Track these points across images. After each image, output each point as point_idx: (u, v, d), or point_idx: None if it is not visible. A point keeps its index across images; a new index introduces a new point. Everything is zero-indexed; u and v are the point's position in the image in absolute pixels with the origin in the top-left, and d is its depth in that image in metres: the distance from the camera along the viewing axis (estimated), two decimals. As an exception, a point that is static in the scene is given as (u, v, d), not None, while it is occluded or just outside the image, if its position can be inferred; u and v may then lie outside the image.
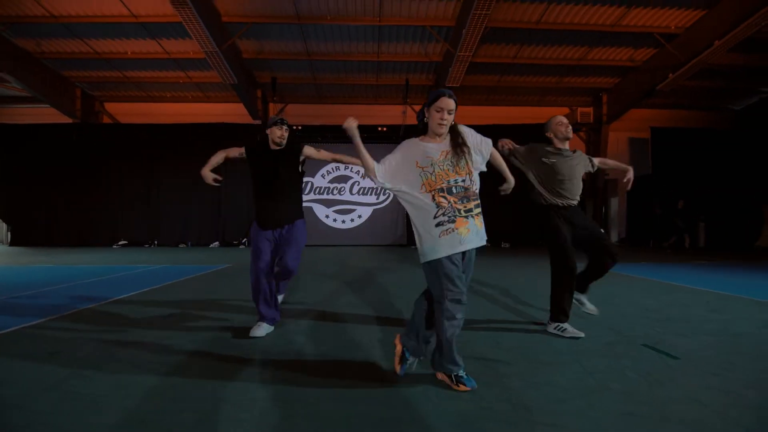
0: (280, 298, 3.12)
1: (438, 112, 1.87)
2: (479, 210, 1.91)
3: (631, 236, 13.79)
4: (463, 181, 1.87)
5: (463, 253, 1.86)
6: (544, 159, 2.81)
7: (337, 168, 12.56)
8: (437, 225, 1.81)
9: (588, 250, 2.81)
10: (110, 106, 13.76)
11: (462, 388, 1.77)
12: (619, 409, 1.60)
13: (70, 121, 12.77)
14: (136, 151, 12.14)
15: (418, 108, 9.79)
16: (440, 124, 1.88)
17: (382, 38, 10.61)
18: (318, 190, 12.49)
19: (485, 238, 1.93)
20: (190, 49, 10.68)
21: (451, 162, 1.87)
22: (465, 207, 1.84)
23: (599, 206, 14.09)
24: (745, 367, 2.07)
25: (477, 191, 1.92)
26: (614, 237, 14.62)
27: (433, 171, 1.85)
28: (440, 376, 1.89)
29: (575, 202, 2.86)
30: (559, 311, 2.70)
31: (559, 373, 1.98)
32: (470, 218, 1.85)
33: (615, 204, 14.65)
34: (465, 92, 13.06)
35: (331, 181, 12.52)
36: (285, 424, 1.48)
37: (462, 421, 1.52)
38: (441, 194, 1.83)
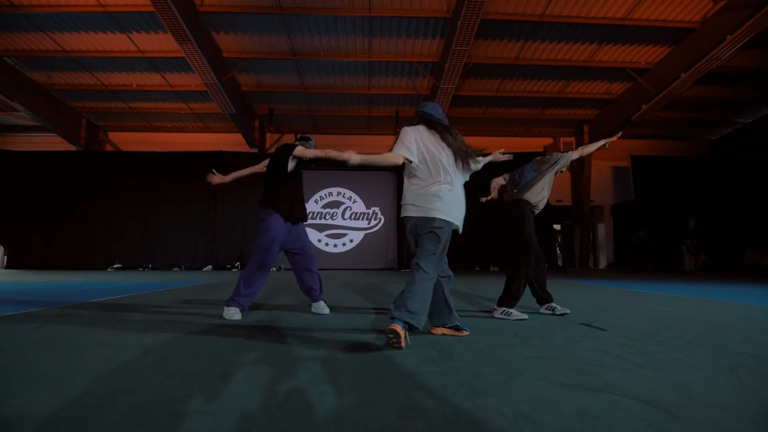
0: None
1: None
2: None
3: (619, 260, 14.00)
4: None
5: None
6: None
7: (330, 194, 12.96)
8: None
9: None
10: (114, 136, 14.37)
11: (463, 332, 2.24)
12: (530, 354, 1.82)
13: (73, 149, 13.32)
14: (133, 176, 12.56)
15: None
16: None
17: (372, 73, 11.34)
18: (311, 215, 12.81)
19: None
20: (192, 82, 11.37)
21: None
22: None
23: (586, 232, 14.39)
24: (664, 334, 2.29)
25: None
26: (603, 262, 14.82)
27: None
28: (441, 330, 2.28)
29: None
30: (511, 296, 2.95)
31: (489, 338, 2.21)
32: None
33: (602, 230, 14.97)
34: (452, 123, 13.47)
35: (324, 207, 12.88)
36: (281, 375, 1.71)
37: (400, 365, 1.74)
38: None
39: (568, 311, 3.05)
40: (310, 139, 3.24)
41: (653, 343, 2.07)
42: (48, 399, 1.26)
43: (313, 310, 3.21)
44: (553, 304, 3.10)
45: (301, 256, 3.18)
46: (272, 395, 1.31)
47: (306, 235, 3.31)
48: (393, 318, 1.94)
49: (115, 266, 12.00)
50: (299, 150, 3.09)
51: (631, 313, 3.18)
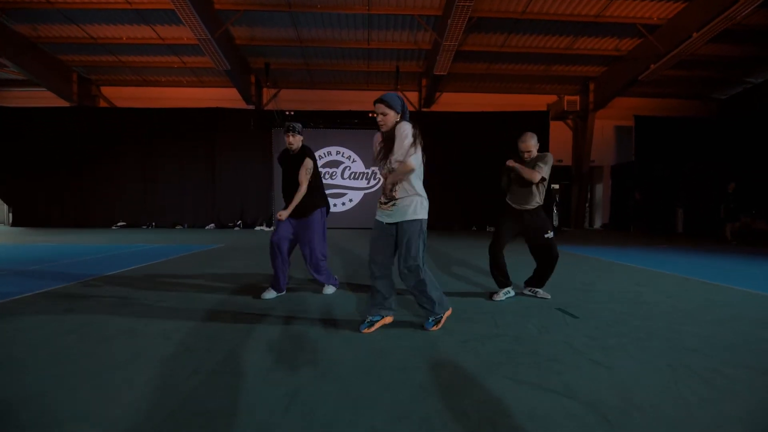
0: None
1: (375, 114, 2.32)
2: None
3: (614, 221, 14.29)
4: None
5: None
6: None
7: (329, 153, 12.94)
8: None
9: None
10: (106, 90, 14.02)
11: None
12: (504, 348, 2.09)
13: (67, 104, 13.07)
14: (132, 134, 12.48)
15: (409, 94, 10.46)
16: (379, 124, 2.32)
17: (371, 26, 10.84)
18: (310, 174, 12.87)
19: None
20: (183, 35, 10.91)
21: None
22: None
23: (584, 192, 14.54)
24: (629, 324, 2.55)
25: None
26: (598, 223, 15.13)
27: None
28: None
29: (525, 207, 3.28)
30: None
31: (472, 326, 2.48)
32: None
33: (600, 190, 15.11)
34: (455, 80, 13.35)
35: (323, 166, 12.90)
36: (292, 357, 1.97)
37: (380, 349, 2.00)
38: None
39: (549, 297, 3.29)
40: (297, 128, 3.27)
41: (615, 335, 2.33)
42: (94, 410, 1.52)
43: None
44: (537, 289, 3.34)
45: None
46: (277, 395, 1.57)
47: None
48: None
49: (119, 224, 12.30)
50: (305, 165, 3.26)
51: (607, 293, 3.45)
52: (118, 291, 3.33)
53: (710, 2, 9.07)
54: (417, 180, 2.31)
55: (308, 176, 3.22)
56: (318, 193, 3.34)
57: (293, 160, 3.28)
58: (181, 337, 2.21)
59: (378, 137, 2.38)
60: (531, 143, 3.19)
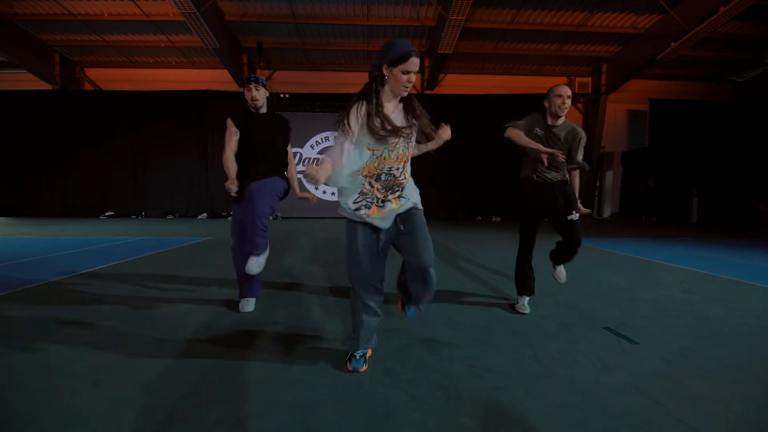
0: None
1: (405, 74, 1.62)
2: (399, 193, 1.77)
3: (624, 211, 13.71)
4: (397, 169, 1.73)
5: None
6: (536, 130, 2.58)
7: (327, 138, 12.27)
8: (354, 203, 1.73)
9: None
10: (91, 72, 13.24)
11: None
12: (557, 401, 1.53)
13: (49, 87, 12.33)
14: (120, 119, 11.81)
15: None
16: (406, 88, 1.65)
17: (371, 1, 10.06)
18: (307, 161, 12.25)
19: (408, 206, 1.79)
20: (169, 10, 10.11)
21: (404, 146, 1.72)
22: (384, 196, 1.73)
23: (593, 180, 13.91)
24: (703, 354, 2.00)
25: (407, 177, 1.79)
26: (607, 212, 14.55)
27: (381, 155, 1.68)
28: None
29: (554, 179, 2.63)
30: (517, 284, 2.76)
31: (505, 358, 1.91)
32: (387, 203, 1.74)
33: (609, 178, 14.48)
34: (459, 59, 12.58)
35: (320, 152, 12.25)
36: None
37: (387, 410, 1.45)
38: (370, 180, 1.71)
39: (562, 281, 2.87)
40: (261, 80, 2.64)
41: (696, 371, 1.77)
42: None
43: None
44: (555, 265, 2.88)
45: None
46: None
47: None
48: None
49: (107, 214, 11.71)
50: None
51: (654, 304, 2.89)
52: (58, 307, 2.77)
53: (741, -28, 8.30)
54: None
55: None
56: None
57: (264, 122, 2.63)
58: (113, 381, 1.65)
59: (393, 105, 1.71)
60: (568, 95, 2.52)
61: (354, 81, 12.96)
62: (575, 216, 2.58)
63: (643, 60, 11.45)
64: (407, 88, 1.65)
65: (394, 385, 1.64)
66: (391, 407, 1.46)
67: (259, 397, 1.52)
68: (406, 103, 1.75)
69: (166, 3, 9.66)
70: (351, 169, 1.64)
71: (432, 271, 1.71)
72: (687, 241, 6.87)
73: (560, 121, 2.59)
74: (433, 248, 1.72)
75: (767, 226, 10.66)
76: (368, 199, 1.71)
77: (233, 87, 12.48)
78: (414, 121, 1.74)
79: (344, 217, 1.80)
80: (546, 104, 2.59)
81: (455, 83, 13.25)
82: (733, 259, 4.97)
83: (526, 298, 2.74)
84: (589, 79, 12.85)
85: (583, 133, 2.61)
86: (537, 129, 2.57)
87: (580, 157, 2.62)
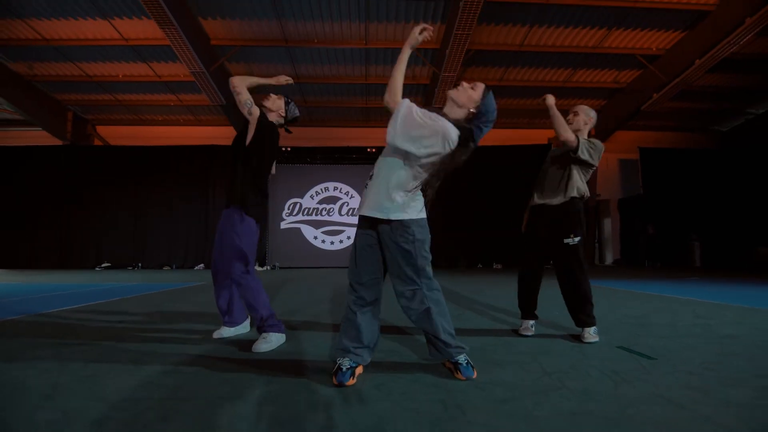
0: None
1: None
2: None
3: (626, 257, 13.53)
4: None
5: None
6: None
7: (326, 189, 12.46)
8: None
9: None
10: (102, 129, 13.83)
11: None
12: (572, 408, 1.34)
13: (60, 143, 12.79)
14: (122, 172, 12.07)
15: None
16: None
17: (369, 61, 10.78)
18: (306, 211, 12.33)
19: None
20: (180, 72, 10.81)
21: None
22: None
23: (592, 227, 13.90)
24: (730, 365, 1.81)
25: None
26: (609, 259, 14.36)
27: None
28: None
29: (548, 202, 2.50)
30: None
31: (511, 373, 1.73)
32: None
33: (608, 225, 14.49)
34: (454, 114, 13.19)
35: (319, 202, 12.37)
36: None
37: (378, 421, 1.26)
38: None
39: (596, 339, 2.32)
40: (290, 102, 2.63)
41: (722, 381, 1.59)
42: None
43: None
44: (582, 329, 2.40)
45: None
46: None
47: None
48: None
49: (103, 265, 11.53)
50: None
51: (669, 328, 2.70)
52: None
53: (710, 29, 8.99)
54: None
55: None
56: None
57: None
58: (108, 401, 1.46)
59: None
60: (582, 115, 2.47)
61: (353, 135, 13.53)
62: (574, 240, 2.37)
63: (628, 112, 12.02)
64: None
65: (384, 398, 1.45)
66: (381, 419, 1.28)
67: (234, 412, 1.33)
68: None
69: (178, 65, 10.36)
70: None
71: None
72: (693, 280, 6.66)
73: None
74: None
75: (765, 268, 10.44)
76: None
77: (237, 141, 12.94)
78: None
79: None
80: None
81: (450, 136, 13.77)
82: (744, 292, 4.77)
83: (530, 322, 2.57)
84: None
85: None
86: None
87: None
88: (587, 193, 2.47)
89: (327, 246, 12.22)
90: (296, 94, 12.30)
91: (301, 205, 12.34)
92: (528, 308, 2.58)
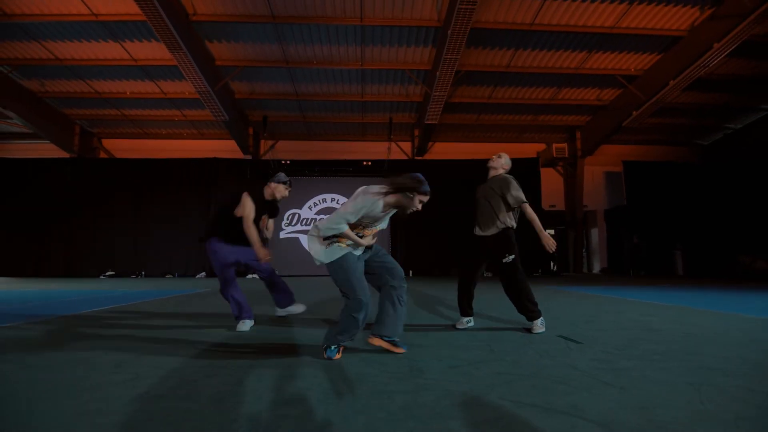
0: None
1: (421, 203, 2.25)
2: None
3: (612, 265, 14.05)
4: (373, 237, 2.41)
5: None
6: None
7: (324, 200, 12.96)
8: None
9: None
10: (108, 143, 14.35)
11: (399, 350, 2.21)
12: (500, 371, 1.83)
13: (67, 155, 13.29)
14: (127, 184, 12.53)
15: (402, 144, 10.57)
16: (414, 209, 2.25)
17: (365, 81, 11.40)
18: (305, 221, 12.82)
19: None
20: (185, 89, 11.40)
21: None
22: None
23: (580, 237, 14.44)
24: (640, 347, 2.30)
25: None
26: (596, 267, 14.86)
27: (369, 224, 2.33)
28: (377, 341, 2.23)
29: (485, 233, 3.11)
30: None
31: (466, 352, 2.22)
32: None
33: (595, 234, 15.02)
34: (446, 130, 13.81)
35: (317, 213, 12.87)
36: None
37: (359, 377, 1.74)
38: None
39: (543, 329, 2.88)
40: (280, 176, 3.36)
41: (625, 357, 2.08)
42: None
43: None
44: (529, 322, 2.96)
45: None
46: (235, 424, 1.31)
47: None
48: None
49: (107, 274, 11.94)
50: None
51: (612, 323, 3.20)
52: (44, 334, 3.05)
53: (683, 53, 9.65)
54: None
55: None
56: None
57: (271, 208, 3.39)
58: (133, 368, 1.94)
59: (380, 203, 2.24)
60: (498, 162, 3.15)
61: (350, 149, 14.12)
62: (509, 258, 2.97)
63: (611, 128, 12.65)
64: (415, 211, 2.27)
65: (373, 363, 1.94)
66: (365, 376, 1.76)
67: (262, 373, 1.82)
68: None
69: (183, 83, 10.96)
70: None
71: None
72: (665, 287, 7.17)
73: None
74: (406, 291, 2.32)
75: (748, 277, 10.96)
76: None
77: (239, 155, 13.49)
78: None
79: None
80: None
81: (443, 150, 14.38)
82: (702, 297, 5.27)
83: (465, 318, 3.09)
84: (565, 145, 14.00)
85: (508, 177, 3.16)
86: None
87: (514, 198, 3.06)
88: (514, 224, 3.10)
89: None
90: (296, 110, 12.91)
91: (299, 216, 12.82)
92: (465, 308, 3.09)
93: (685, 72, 9.71)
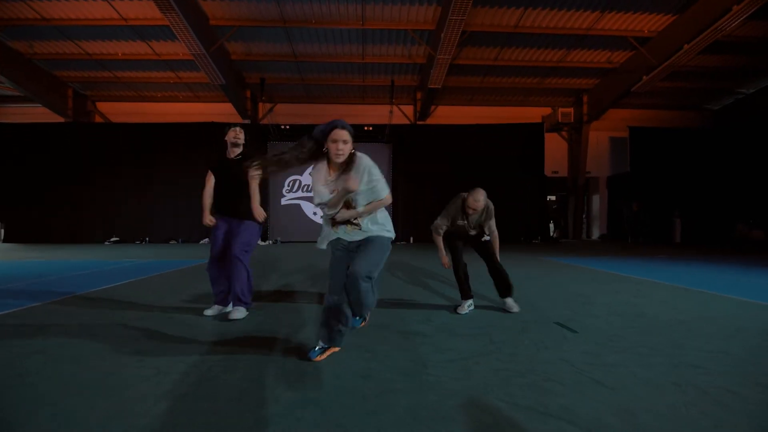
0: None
1: (333, 143, 2.02)
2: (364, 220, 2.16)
3: (612, 232, 14.22)
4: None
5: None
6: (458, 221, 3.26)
7: (325, 167, 12.88)
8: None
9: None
10: (102, 106, 14.03)
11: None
12: (499, 367, 1.96)
13: (62, 120, 13.05)
14: (127, 149, 12.41)
15: (404, 108, 10.44)
16: (337, 155, 2.03)
17: (366, 41, 10.94)
18: (306, 187, 12.82)
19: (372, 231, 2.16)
20: (179, 50, 10.97)
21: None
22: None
23: (581, 204, 14.51)
24: (626, 338, 2.43)
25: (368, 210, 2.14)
26: (595, 234, 15.05)
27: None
28: None
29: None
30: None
31: (465, 342, 2.34)
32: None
33: (596, 201, 15.07)
34: (449, 93, 13.43)
35: (318, 180, 12.82)
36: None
37: (366, 373, 1.87)
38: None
39: (516, 310, 3.14)
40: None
41: (615, 350, 2.21)
42: None
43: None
44: (504, 299, 3.24)
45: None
46: (250, 423, 1.43)
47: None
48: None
49: (111, 240, 12.13)
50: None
51: (606, 306, 3.33)
52: (89, 319, 3.19)
53: (700, 15, 9.20)
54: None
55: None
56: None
57: (236, 166, 3.16)
58: (152, 361, 2.07)
59: (324, 168, 2.11)
60: (481, 202, 3.11)
61: (350, 113, 13.79)
62: (487, 237, 3.27)
63: (619, 91, 12.30)
64: (338, 155, 2.03)
65: (371, 359, 2.06)
66: (369, 371, 1.89)
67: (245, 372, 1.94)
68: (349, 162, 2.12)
69: (177, 44, 10.52)
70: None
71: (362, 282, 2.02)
72: (662, 259, 7.33)
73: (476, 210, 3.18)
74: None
75: (744, 245, 11.14)
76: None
77: (236, 119, 13.22)
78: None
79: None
80: (463, 199, 3.21)
81: (446, 114, 14.06)
82: (696, 273, 5.42)
83: (465, 302, 3.21)
84: (571, 109, 13.67)
85: (490, 206, 3.22)
86: (459, 220, 3.24)
87: (489, 227, 3.28)
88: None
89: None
90: (294, 72, 12.49)
91: (300, 182, 12.81)
92: (464, 290, 3.24)
93: (700, 35, 9.31)
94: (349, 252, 2.17)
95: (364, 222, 2.14)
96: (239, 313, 2.95)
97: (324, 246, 2.22)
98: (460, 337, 2.47)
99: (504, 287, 3.20)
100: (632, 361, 2.04)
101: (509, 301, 3.19)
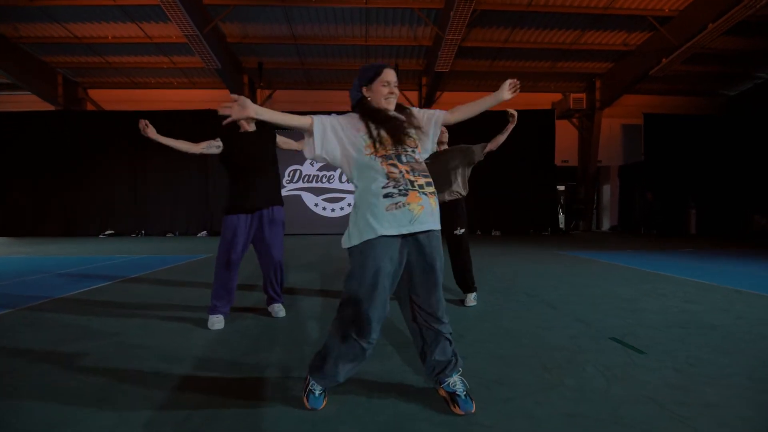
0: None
1: (385, 86, 1.59)
2: (432, 189, 1.57)
3: (623, 224, 13.77)
4: (413, 151, 1.57)
5: (416, 239, 1.53)
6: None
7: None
8: (385, 196, 1.47)
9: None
10: (94, 93, 13.46)
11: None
12: (568, 410, 1.51)
13: (52, 108, 12.50)
14: (121, 139, 11.89)
15: (408, 93, 9.79)
16: (388, 99, 1.61)
17: (369, 21, 10.34)
18: (307, 178, 12.33)
19: (439, 221, 1.60)
20: (172, 33, 10.37)
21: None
22: (417, 180, 1.52)
23: (591, 194, 14.03)
24: (710, 362, 1.98)
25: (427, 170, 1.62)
26: (606, 225, 14.60)
27: (379, 136, 1.54)
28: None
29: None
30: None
31: (513, 369, 1.90)
32: (424, 195, 1.51)
33: (607, 191, 14.59)
34: (456, 78, 12.84)
35: (320, 169, 12.34)
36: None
37: (397, 419, 1.43)
38: (390, 161, 1.50)
39: (474, 303, 3.13)
40: None
41: (706, 381, 1.76)
42: None
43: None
44: (465, 294, 3.22)
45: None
46: None
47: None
48: None
49: (106, 233, 11.69)
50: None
51: (659, 314, 2.88)
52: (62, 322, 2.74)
53: (728, -9, 8.59)
54: None
55: None
56: None
57: (254, 139, 2.77)
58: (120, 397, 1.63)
59: (361, 125, 1.58)
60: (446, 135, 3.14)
61: (353, 99, 13.21)
62: (460, 231, 3.12)
63: (635, 76, 11.72)
64: (389, 100, 1.62)
65: (399, 398, 1.62)
66: (402, 416, 1.44)
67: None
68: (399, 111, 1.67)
69: (169, 26, 9.92)
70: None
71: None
72: (688, 253, 6.88)
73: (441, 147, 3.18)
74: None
75: (762, 237, 10.69)
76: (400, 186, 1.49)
77: (234, 106, 12.64)
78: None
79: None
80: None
81: (452, 101, 13.47)
82: (735, 269, 4.97)
83: (470, 295, 3.17)
84: (583, 95, 13.10)
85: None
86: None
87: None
88: (465, 193, 3.22)
89: (328, 213, 12.36)
90: (293, 56, 11.90)
91: (301, 172, 12.32)
92: (458, 283, 3.21)
93: (728, 13, 8.70)
94: (400, 262, 1.52)
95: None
96: (282, 310, 2.89)
97: (354, 243, 1.52)
98: (503, 360, 2.02)
99: (470, 282, 3.17)
100: (737, 399, 1.60)
101: (470, 296, 3.17)
